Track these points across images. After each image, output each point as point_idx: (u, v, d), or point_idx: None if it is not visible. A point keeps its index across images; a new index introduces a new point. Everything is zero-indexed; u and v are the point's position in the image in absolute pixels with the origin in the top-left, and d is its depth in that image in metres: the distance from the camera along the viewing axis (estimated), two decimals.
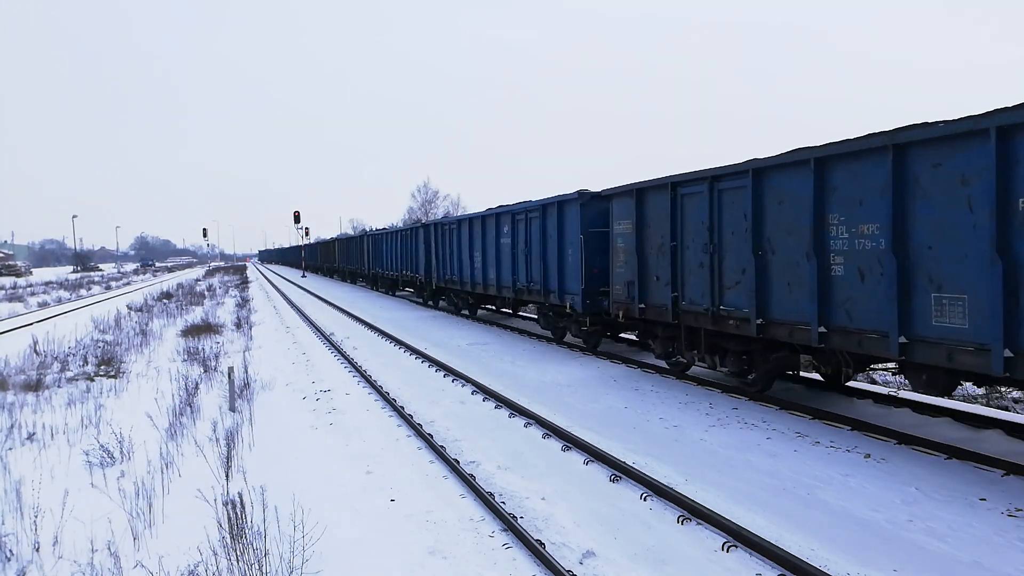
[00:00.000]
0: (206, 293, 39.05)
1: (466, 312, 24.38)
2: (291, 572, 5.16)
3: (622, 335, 16.57)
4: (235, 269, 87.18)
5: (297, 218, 66.90)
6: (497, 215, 19.24)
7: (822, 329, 8.33)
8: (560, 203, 15.49)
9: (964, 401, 10.34)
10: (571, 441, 8.59)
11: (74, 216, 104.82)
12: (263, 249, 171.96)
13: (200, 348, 16.85)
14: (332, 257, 59.35)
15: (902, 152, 7.26)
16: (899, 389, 10.83)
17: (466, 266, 22.04)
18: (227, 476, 7.34)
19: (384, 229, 41.62)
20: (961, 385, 10.35)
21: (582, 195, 14.45)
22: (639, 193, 12.20)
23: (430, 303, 29.07)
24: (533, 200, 17.20)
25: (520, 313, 23.06)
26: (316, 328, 21.78)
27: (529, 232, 17.15)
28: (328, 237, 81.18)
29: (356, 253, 45.84)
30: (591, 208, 14.38)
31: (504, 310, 23.76)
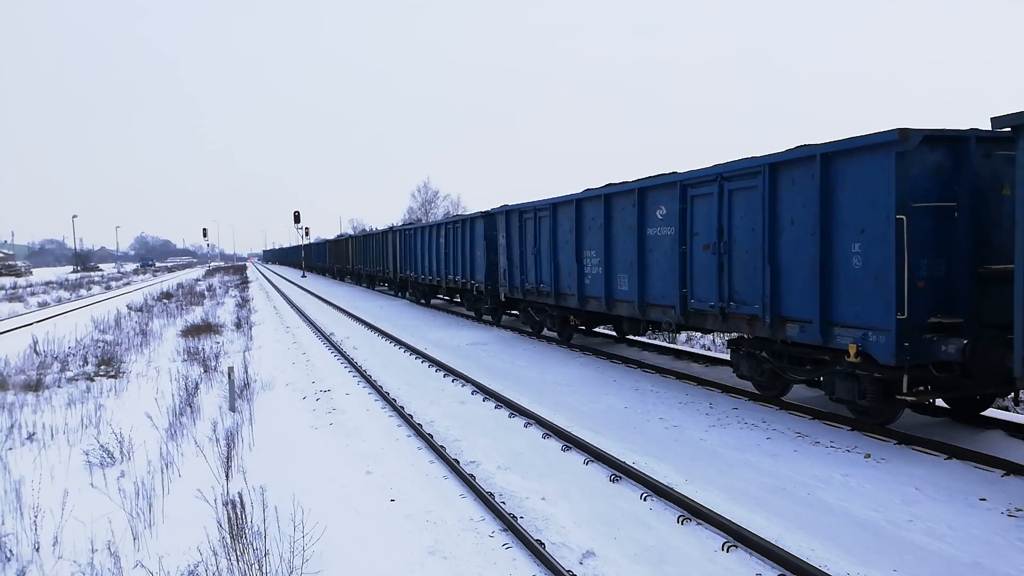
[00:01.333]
0: (206, 293, 39.04)
1: (554, 334, 17.49)
2: (291, 572, 5.16)
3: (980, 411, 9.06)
4: (235, 269, 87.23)
5: (297, 218, 66.97)
6: (642, 190, 12.21)
7: None
8: (826, 157, 8.47)
9: (628, 334, 11.64)
10: (571, 441, 8.59)
11: (74, 216, 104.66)
12: (267, 249, 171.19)
13: (200, 348, 16.86)
14: (344, 257, 51.92)
15: None
16: None
17: (567, 271, 15.23)
18: (227, 476, 7.34)
19: (411, 224, 34.56)
20: None
21: (905, 136, 7.56)
22: None
23: (486, 318, 22.36)
24: (730, 162, 10.25)
25: (638, 338, 16.30)
26: (315, 327, 21.78)
27: (724, 214, 10.19)
28: (330, 237, 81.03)
29: (377, 253, 38.28)
30: (919, 162, 7.79)
31: (599, 330, 17.99)
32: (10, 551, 5.87)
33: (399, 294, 34.89)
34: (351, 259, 48.22)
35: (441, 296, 29.31)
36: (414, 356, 15.88)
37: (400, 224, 37.19)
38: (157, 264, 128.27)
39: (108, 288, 53.42)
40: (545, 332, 18.18)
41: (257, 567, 5.06)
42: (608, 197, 13.54)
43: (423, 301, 30.28)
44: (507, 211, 18.75)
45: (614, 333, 17.29)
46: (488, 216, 20.55)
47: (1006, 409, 9.82)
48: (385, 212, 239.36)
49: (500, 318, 21.53)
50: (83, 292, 47.74)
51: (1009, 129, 6.62)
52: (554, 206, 15.85)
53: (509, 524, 6.10)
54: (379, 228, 49.57)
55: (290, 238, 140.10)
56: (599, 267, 13.86)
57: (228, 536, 5.32)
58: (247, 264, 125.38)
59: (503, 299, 19.59)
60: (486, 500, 6.68)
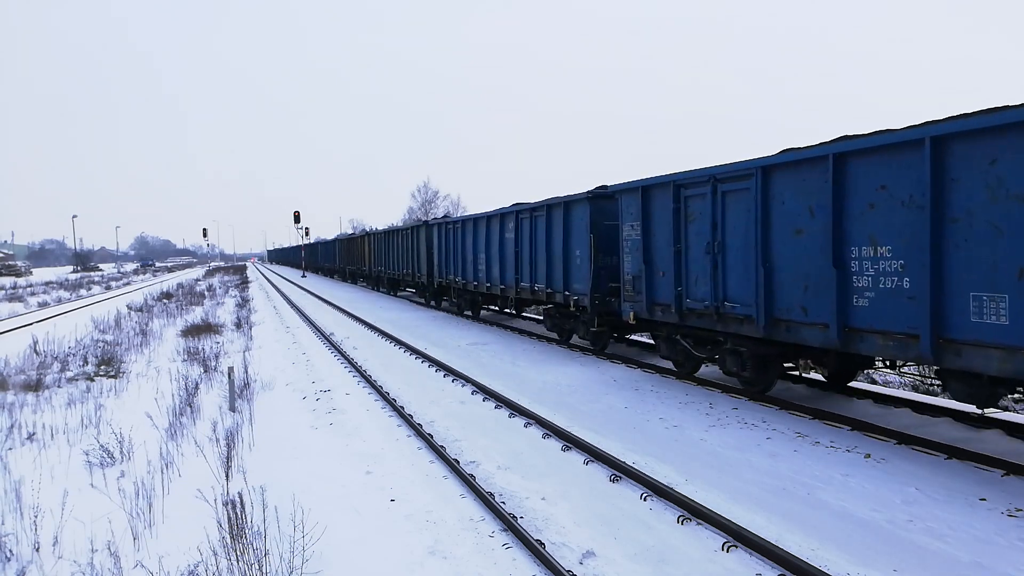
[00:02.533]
0: (206, 293, 39.04)
1: (725, 379, 11.49)
2: (291, 572, 5.16)
3: None
4: (235, 269, 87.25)
5: (297, 218, 66.99)
6: None
7: None
8: None
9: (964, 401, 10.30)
10: (571, 441, 8.59)
11: (74, 216, 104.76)
12: (271, 249, 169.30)
13: (200, 348, 16.85)
14: (359, 257, 45.29)
15: None
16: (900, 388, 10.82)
17: (799, 281, 9.05)
18: (227, 476, 7.34)
19: (457, 216, 25.85)
20: None
21: None
22: None
23: (579, 343, 16.31)
24: None
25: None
26: (316, 328, 21.78)
27: None
28: (330, 237, 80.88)
29: (404, 252, 31.65)
30: None
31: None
32: (10, 551, 5.87)
33: (434, 303, 28.58)
34: (368, 259, 41.61)
35: (491, 307, 23.88)
36: (413, 356, 15.88)
37: (441, 216, 28.52)
38: (157, 264, 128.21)
39: (108, 288, 53.41)
40: (704, 373, 12.19)
41: (257, 567, 5.06)
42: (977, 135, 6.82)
43: (468, 313, 23.93)
44: (645, 187, 12.03)
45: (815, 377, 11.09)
46: (599, 198, 14.20)
47: (1006, 409, 9.81)
48: (385, 212, 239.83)
49: (605, 345, 15.24)
50: (83, 292, 47.74)
51: None
52: (764, 170, 9.40)
53: (509, 524, 6.09)
54: (378, 227, 48.77)
55: (290, 238, 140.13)
56: (901, 276, 7.64)
57: (228, 536, 5.32)
58: (247, 264, 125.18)
59: (631, 321, 12.78)
60: (486, 500, 6.68)
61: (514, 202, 18.98)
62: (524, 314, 23.21)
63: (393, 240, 34.54)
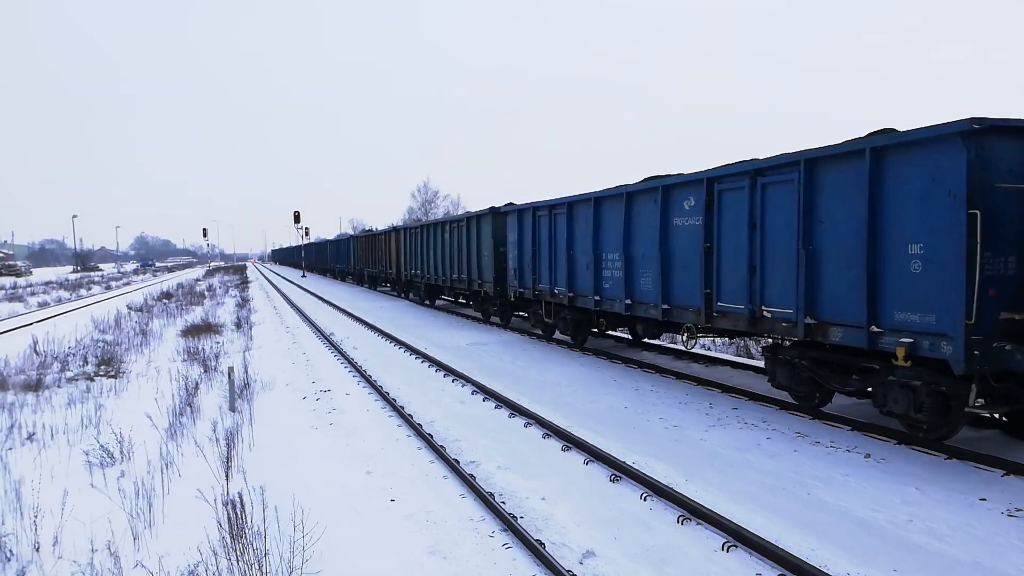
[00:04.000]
0: (206, 293, 39.04)
1: None
2: (291, 572, 5.16)
3: None
4: (235, 269, 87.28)
5: (297, 218, 67.00)
6: None
7: None
8: None
9: None
10: (571, 441, 8.59)
11: (74, 216, 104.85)
12: (275, 248, 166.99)
13: (200, 348, 16.85)
14: (382, 258, 37.54)
15: None
16: None
17: None
18: (227, 476, 7.34)
19: (565, 197, 15.60)
20: None
21: None
22: None
23: None
24: None
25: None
26: (316, 328, 21.77)
27: None
28: (330, 237, 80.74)
29: (452, 252, 24.18)
30: None
31: None
32: (10, 551, 5.87)
33: (497, 320, 22.00)
34: (396, 260, 34.14)
35: (599, 329, 16.60)
36: (414, 356, 15.88)
37: (505, 204, 20.31)
38: (157, 264, 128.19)
39: (108, 288, 53.41)
40: None
41: (257, 567, 5.06)
42: None
43: (567, 337, 16.87)
44: None
45: None
46: (994, 132, 6.78)
47: None
48: (385, 212, 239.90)
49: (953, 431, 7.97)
50: (83, 292, 47.73)
51: None
52: None
53: (509, 524, 6.10)
54: (378, 227, 47.91)
55: (290, 238, 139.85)
56: None
57: (228, 536, 5.32)
58: (247, 264, 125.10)
59: None
60: (486, 500, 6.68)
61: (570, 194, 13.82)
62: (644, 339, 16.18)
63: (436, 236, 26.34)
